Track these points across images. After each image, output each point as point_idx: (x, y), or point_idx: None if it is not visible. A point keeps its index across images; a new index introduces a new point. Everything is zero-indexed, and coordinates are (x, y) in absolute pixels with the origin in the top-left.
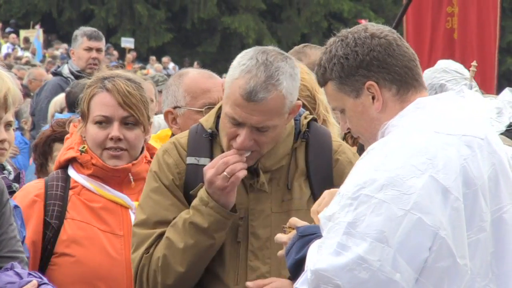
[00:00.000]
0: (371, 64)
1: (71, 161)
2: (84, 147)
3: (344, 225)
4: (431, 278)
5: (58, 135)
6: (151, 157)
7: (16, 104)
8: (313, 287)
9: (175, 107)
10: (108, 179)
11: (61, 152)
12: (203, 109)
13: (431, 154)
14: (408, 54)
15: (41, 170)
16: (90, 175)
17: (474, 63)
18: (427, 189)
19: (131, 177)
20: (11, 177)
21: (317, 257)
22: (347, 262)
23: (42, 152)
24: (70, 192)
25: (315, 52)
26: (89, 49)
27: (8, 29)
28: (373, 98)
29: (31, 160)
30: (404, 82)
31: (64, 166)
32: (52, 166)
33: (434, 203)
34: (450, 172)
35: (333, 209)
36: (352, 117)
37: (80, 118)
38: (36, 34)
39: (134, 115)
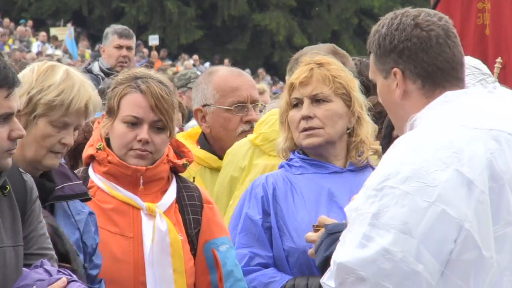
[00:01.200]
0: (402, 53)
1: (92, 158)
2: (100, 145)
3: (369, 216)
4: (456, 270)
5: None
6: (180, 155)
7: (96, 111)
8: (338, 280)
9: (204, 105)
10: (122, 179)
11: (84, 149)
12: (232, 107)
13: (457, 148)
14: (446, 55)
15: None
16: (105, 173)
17: (499, 59)
18: (452, 182)
19: (141, 180)
20: None
21: (341, 249)
22: (371, 254)
23: (73, 156)
24: None
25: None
26: (120, 47)
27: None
28: (397, 84)
29: None
30: (430, 80)
31: (88, 164)
32: None
33: (458, 196)
34: (475, 165)
35: (358, 202)
36: (380, 94)
37: (105, 114)
38: (67, 33)
39: (163, 120)
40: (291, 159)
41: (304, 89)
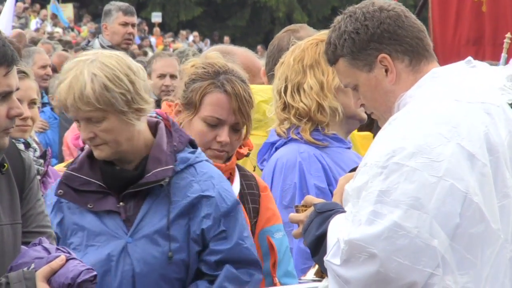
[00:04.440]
0: (382, 37)
1: None
2: None
3: (376, 193)
4: (464, 243)
5: None
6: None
7: None
8: (346, 258)
9: None
10: None
11: None
12: None
13: (455, 122)
14: (416, 25)
15: None
16: None
17: (508, 34)
18: (456, 156)
19: None
20: (37, 154)
21: (351, 227)
22: (383, 230)
23: None
24: None
25: (308, 32)
26: (125, 24)
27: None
28: (386, 71)
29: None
30: (416, 52)
31: None
32: None
33: (463, 170)
34: (475, 139)
35: (361, 180)
36: (366, 92)
37: (182, 105)
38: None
39: (243, 122)
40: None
41: None
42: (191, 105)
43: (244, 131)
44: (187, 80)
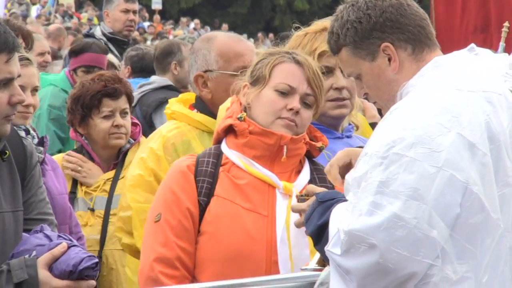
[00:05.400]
0: (384, 26)
1: (227, 132)
2: (242, 115)
3: (376, 184)
4: (464, 233)
5: (110, 91)
6: (313, 140)
7: None
8: (346, 248)
9: (206, 71)
10: (262, 151)
11: (220, 122)
12: (238, 72)
13: (456, 112)
14: (419, 14)
15: (80, 124)
16: (242, 147)
17: (506, 23)
18: (455, 146)
19: (285, 150)
20: (35, 141)
21: (351, 218)
22: (382, 221)
23: (88, 105)
24: (220, 169)
25: None
26: (127, 11)
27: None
28: (389, 59)
29: None
30: (418, 41)
31: (221, 138)
32: (97, 120)
33: (463, 160)
34: (476, 128)
35: (361, 170)
36: (369, 81)
37: (249, 84)
38: None
39: (315, 95)
40: None
41: (334, 58)
42: (260, 79)
43: (314, 110)
44: (255, 63)
